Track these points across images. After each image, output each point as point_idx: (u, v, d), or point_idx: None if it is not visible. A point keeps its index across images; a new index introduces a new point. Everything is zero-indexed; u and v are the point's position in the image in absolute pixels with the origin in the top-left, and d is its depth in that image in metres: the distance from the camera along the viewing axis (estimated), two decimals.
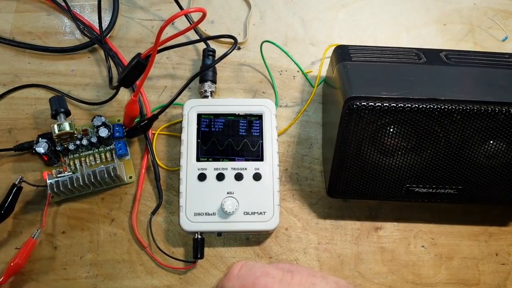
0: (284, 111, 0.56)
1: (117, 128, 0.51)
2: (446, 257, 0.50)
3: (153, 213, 0.50)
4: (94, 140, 0.50)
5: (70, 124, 0.49)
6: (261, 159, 0.49)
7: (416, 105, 0.41)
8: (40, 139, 0.49)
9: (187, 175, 0.48)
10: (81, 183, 0.47)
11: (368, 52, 0.49)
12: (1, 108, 0.55)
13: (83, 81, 0.57)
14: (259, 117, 0.50)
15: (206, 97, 0.53)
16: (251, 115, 0.51)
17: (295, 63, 0.57)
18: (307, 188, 0.52)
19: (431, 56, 0.48)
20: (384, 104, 0.41)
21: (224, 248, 0.49)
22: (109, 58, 0.57)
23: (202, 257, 0.47)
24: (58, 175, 0.48)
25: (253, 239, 0.50)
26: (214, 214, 0.47)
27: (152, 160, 0.51)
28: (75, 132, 0.50)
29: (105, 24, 0.58)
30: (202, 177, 0.48)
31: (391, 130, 0.43)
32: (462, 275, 0.49)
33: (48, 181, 0.46)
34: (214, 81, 0.55)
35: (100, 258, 0.48)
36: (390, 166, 0.45)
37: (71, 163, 0.51)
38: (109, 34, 0.59)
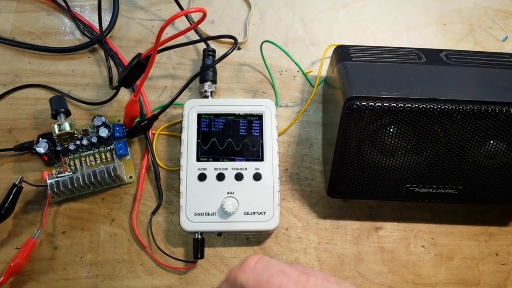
0: (284, 111, 0.56)
1: (117, 128, 0.51)
2: (446, 257, 0.50)
3: (153, 213, 0.50)
4: (94, 140, 0.50)
5: (70, 124, 0.49)
6: (261, 159, 0.49)
7: (416, 105, 0.41)
8: (40, 139, 0.49)
9: (187, 175, 0.48)
10: (81, 183, 0.47)
11: (368, 52, 0.49)
12: (1, 108, 0.55)
13: (83, 81, 0.57)
14: (259, 117, 0.50)
15: (206, 97, 0.54)
16: (251, 115, 0.51)
17: (295, 63, 0.57)
18: (307, 188, 0.52)
19: (431, 56, 0.48)
20: (384, 104, 0.41)
21: (224, 248, 0.49)
22: (109, 58, 0.57)
23: (202, 257, 0.47)
24: (58, 175, 0.48)
25: (253, 239, 0.50)
26: (214, 214, 0.47)
27: (152, 160, 0.51)
28: (75, 132, 0.50)
29: (105, 24, 0.58)
30: (202, 177, 0.48)
31: (391, 130, 0.43)
32: (462, 275, 0.49)
33: (48, 181, 0.46)
34: (214, 81, 0.55)
35: (100, 258, 0.48)
36: (390, 166, 0.45)
37: (71, 163, 0.51)
38: (109, 34, 0.59)
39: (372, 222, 0.51)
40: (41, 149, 0.48)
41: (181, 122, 0.51)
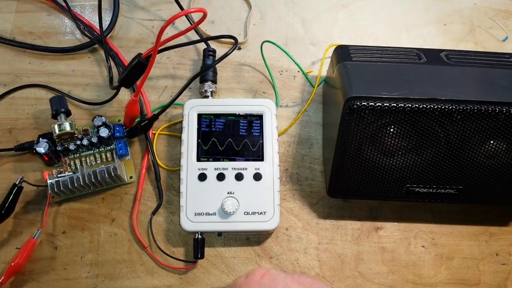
0: (284, 111, 0.56)
1: (117, 128, 0.51)
2: (447, 257, 0.50)
3: (154, 213, 0.50)
4: (94, 140, 0.50)
5: (70, 124, 0.49)
6: (262, 159, 0.49)
7: (417, 105, 0.41)
8: (40, 139, 0.49)
9: (187, 175, 0.48)
10: (82, 183, 0.47)
11: (368, 52, 0.49)
12: (2, 108, 0.55)
13: (84, 81, 0.57)
14: (260, 117, 0.50)
15: (207, 97, 0.54)
16: (251, 115, 0.51)
17: (296, 63, 0.57)
18: (308, 188, 0.52)
19: (432, 56, 0.48)
20: (385, 104, 0.41)
21: (224, 248, 0.49)
22: (110, 58, 0.57)
23: (202, 257, 0.47)
24: (59, 175, 0.48)
25: (254, 239, 0.50)
26: (214, 214, 0.47)
27: (153, 160, 0.51)
28: (76, 132, 0.50)
29: (105, 24, 0.58)
30: (202, 177, 0.48)
31: (392, 130, 0.43)
32: (463, 275, 0.49)
33: (49, 181, 0.46)
34: (214, 81, 0.55)
35: (101, 258, 0.48)
36: (391, 166, 0.45)
37: (72, 163, 0.51)
38: (109, 34, 0.59)
39: (372, 222, 0.51)
40: (42, 149, 0.48)
41: (181, 122, 0.51)
